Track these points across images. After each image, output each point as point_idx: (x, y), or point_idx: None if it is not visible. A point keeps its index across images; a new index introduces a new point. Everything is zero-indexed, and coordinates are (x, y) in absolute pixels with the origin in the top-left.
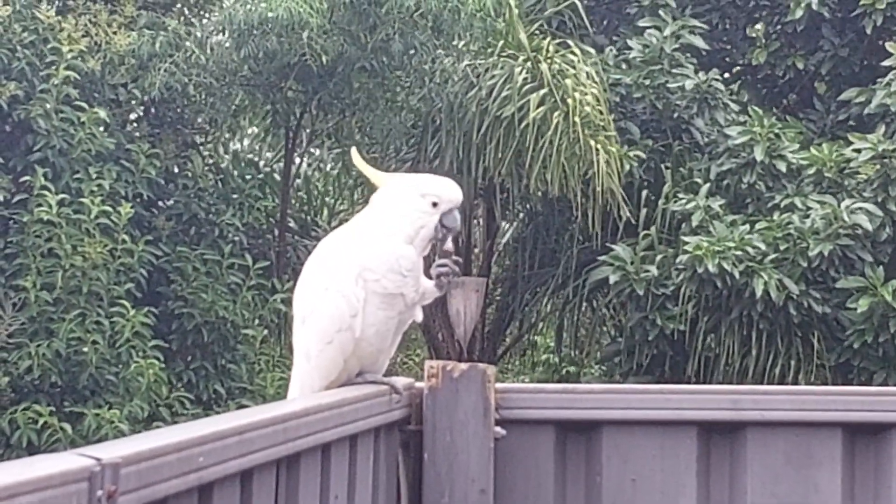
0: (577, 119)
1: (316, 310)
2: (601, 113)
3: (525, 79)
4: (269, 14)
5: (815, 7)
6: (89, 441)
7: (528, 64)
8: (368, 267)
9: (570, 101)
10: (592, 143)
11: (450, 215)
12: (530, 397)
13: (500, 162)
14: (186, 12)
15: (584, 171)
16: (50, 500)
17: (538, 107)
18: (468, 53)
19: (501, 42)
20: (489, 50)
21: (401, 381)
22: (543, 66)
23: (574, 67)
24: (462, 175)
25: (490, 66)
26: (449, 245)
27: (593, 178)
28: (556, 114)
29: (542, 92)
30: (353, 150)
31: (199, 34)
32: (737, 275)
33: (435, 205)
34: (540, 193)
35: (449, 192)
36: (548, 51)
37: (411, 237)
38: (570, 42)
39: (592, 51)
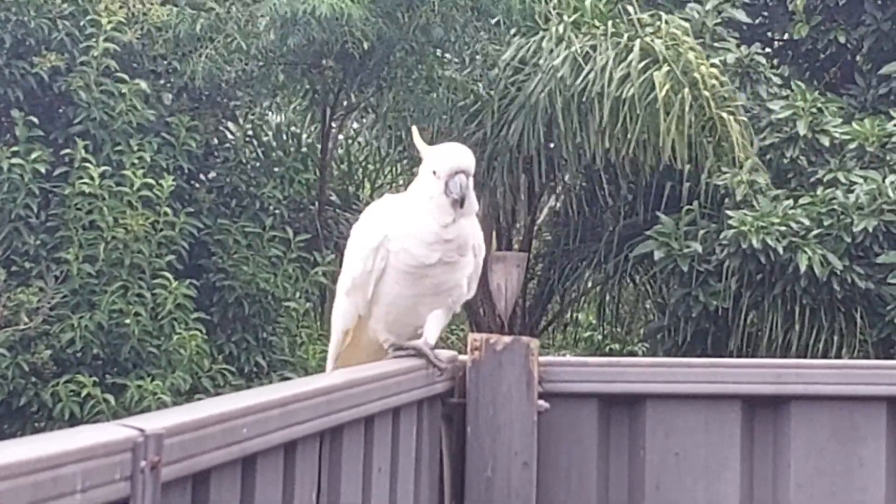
0: (707, 93)
1: (345, 263)
2: (722, 85)
3: (640, 55)
4: (313, 9)
5: None
6: (132, 413)
7: (638, 41)
8: (391, 236)
9: (696, 74)
10: (725, 115)
11: (452, 181)
12: (574, 370)
13: (624, 141)
14: None
15: (716, 142)
16: (94, 470)
17: (660, 84)
18: (576, 33)
19: (608, 23)
20: (594, 30)
21: (444, 353)
22: (658, 43)
23: (686, 41)
24: (534, 155)
25: (596, 45)
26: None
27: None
28: (685, 91)
29: (664, 69)
30: (414, 129)
31: (240, 17)
32: (781, 250)
33: (434, 173)
34: (583, 168)
35: (444, 160)
36: (655, 27)
37: (429, 207)
38: (661, 14)
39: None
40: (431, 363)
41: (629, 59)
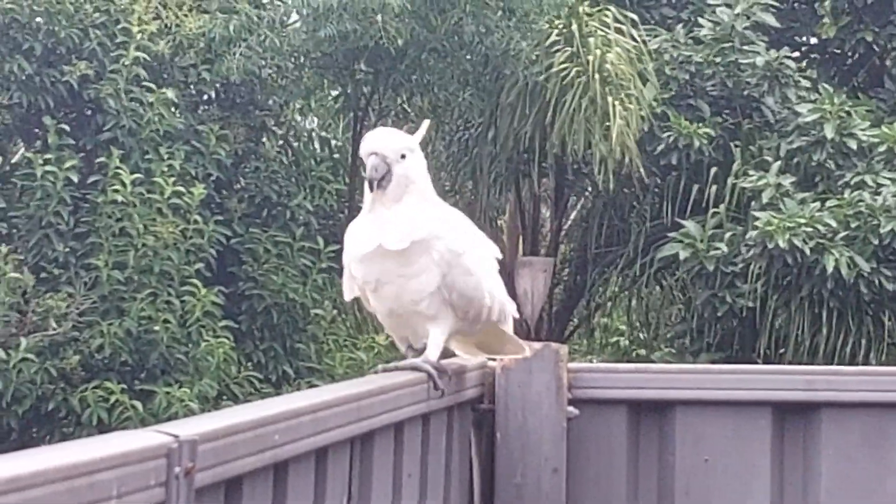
0: (596, 76)
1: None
2: (623, 72)
3: (557, 40)
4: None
5: None
6: (159, 419)
7: (561, 26)
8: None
9: (590, 58)
10: (610, 99)
11: (367, 163)
12: (603, 377)
13: (526, 121)
14: None
15: (605, 128)
16: (128, 476)
17: (561, 65)
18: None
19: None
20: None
21: (458, 362)
22: (574, 27)
23: (607, 28)
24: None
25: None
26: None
27: (610, 135)
28: (575, 70)
29: (568, 51)
30: (425, 123)
31: (273, 16)
32: (807, 251)
33: None
34: (603, 169)
35: (361, 145)
36: (578, 13)
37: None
38: (610, 8)
39: (634, 16)
40: (433, 381)
41: (548, 41)
